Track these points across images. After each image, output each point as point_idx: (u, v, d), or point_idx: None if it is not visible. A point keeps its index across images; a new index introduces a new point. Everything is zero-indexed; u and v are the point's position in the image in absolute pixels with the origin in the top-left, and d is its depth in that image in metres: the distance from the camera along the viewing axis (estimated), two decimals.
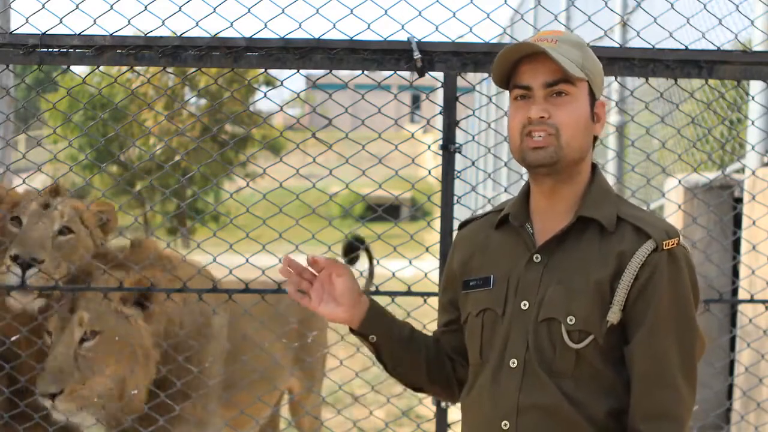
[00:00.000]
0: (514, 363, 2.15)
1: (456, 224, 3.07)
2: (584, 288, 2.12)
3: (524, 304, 2.16)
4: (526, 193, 2.27)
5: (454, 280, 2.35)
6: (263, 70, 3.35)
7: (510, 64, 2.17)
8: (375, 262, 4.51)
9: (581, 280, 2.12)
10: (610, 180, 6.71)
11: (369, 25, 3.40)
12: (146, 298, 3.52)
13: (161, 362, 3.62)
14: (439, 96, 3.43)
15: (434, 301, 3.65)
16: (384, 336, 2.32)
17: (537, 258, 2.18)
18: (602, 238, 2.15)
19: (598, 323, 2.11)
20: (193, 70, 3.37)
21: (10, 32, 3.28)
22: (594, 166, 2.24)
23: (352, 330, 2.34)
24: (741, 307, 4.76)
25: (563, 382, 2.11)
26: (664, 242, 2.10)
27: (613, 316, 2.10)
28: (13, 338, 3.56)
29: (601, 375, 2.11)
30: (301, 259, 3.88)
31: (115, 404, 3.52)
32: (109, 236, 3.80)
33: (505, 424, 2.13)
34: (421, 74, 3.32)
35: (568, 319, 2.11)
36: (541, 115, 2.13)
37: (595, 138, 2.23)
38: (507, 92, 2.23)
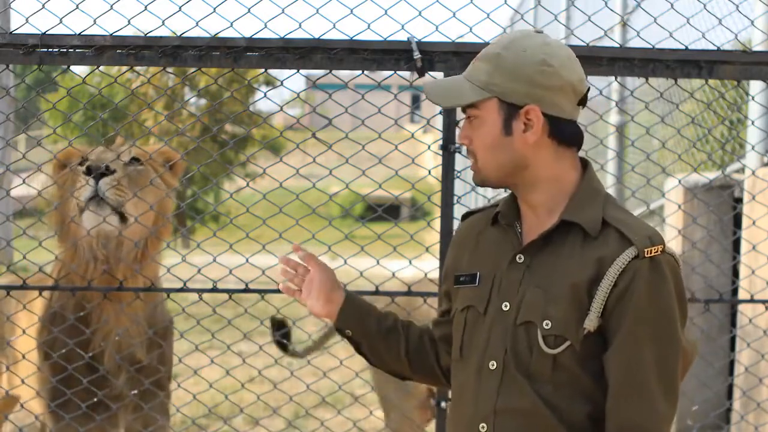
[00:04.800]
0: (493, 365, 2.13)
1: (456, 224, 3.07)
2: (562, 292, 2.08)
3: (505, 305, 2.14)
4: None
5: (449, 273, 2.35)
6: (263, 70, 3.35)
7: None
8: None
9: (560, 284, 2.09)
10: (610, 180, 6.72)
11: (369, 25, 3.40)
12: None
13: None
14: None
15: (434, 301, 3.66)
16: (359, 330, 2.35)
17: (520, 258, 2.16)
18: (585, 242, 2.11)
19: (574, 329, 2.07)
20: (193, 70, 3.37)
21: (10, 32, 3.28)
22: (586, 167, 2.20)
23: (335, 327, 2.39)
24: (741, 307, 4.76)
25: (541, 387, 2.08)
26: (646, 249, 2.05)
27: (590, 323, 2.06)
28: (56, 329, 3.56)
29: (580, 381, 2.08)
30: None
31: None
32: (176, 180, 3.79)
33: (483, 426, 2.12)
34: (421, 74, 3.31)
35: (544, 324, 2.08)
36: (462, 142, 2.19)
37: (565, 143, 2.14)
38: None
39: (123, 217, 3.49)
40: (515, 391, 2.10)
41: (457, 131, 3.33)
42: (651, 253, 2.06)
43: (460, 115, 3.34)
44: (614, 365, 2.05)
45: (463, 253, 2.30)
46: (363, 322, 2.35)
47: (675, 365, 2.07)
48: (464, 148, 2.31)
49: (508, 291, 2.15)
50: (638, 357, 2.04)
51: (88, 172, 3.43)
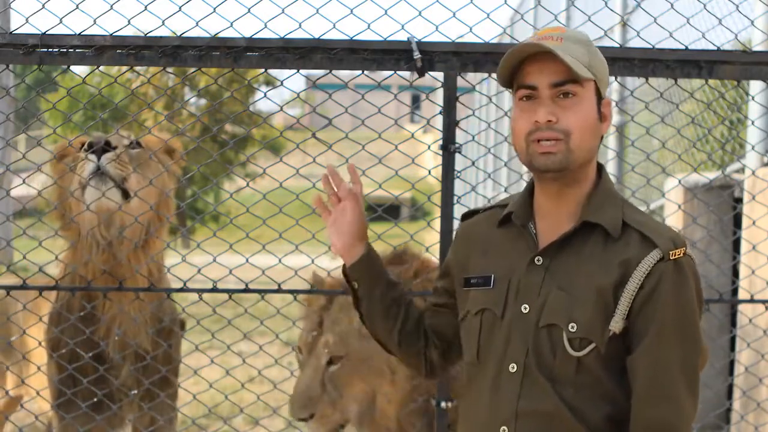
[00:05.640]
0: (513, 368, 2.12)
1: (456, 224, 3.07)
2: (586, 295, 2.08)
3: (525, 308, 2.13)
4: (530, 191, 2.21)
5: (450, 271, 2.34)
6: (263, 70, 3.35)
7: (516, 62, 2.11)
8: None
9: (583, 286, 2.08)
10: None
11: (369, 25, 3.40)
12: None
13: None
14: (439, 96, 3.43)
15: None
16: (365, 287, 2.36)
17: (539, 260, 2.14)
18: (606, 243, 2.10)
19: (599, 331, 2.07)
20: (193, 70, 3.38)
21: (10, 32, 3.28)
22: (600, 168, 2.19)
23: (343, 270, 2.40)
24: (741, 307, 4.76)
25: (563, 389, 2.08)
26: (671, 252, 2.06)
27: (616, 325, 2.06)
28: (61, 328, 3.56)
29: (602, 383, 2.08)
30: (302, 260, 3.88)
31: (368, 422, 3.55)
32: (178, 169, 3.81)
33: (504, 430, 2.11)
34: (421, 74, 3.31)
35: (569, 326, 2.08)
36: (548, 119, 2.07)
37: (601, 138, 2.21)
38: (507, 92, 2.20)
39: (125, 194, 3.50)
40: (537, 394, 2.09)
41: (461, 129, 3.34)
42: (675, 256, 2.07)
43: (460, 114, 3.35)
44: (641, 367, 2.06)
45: (468, 253, 2.28)
46: (372, 281, 2.36)
47: (697, 364, 2.09)
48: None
49: (528, 293, 2.13)
50: (665, 358, 2.05)
51: (90, 148, 3.46)
